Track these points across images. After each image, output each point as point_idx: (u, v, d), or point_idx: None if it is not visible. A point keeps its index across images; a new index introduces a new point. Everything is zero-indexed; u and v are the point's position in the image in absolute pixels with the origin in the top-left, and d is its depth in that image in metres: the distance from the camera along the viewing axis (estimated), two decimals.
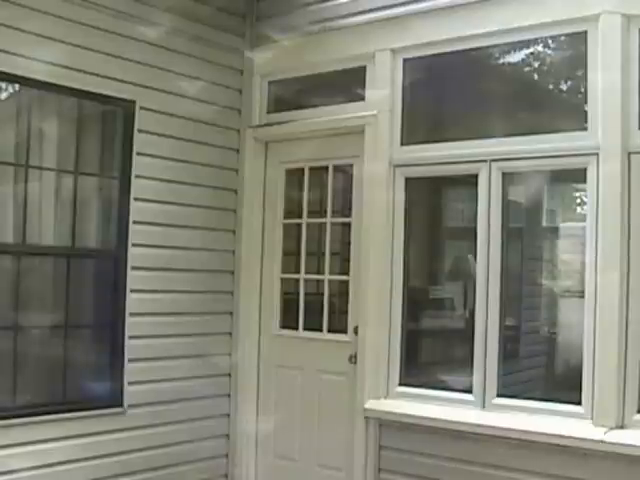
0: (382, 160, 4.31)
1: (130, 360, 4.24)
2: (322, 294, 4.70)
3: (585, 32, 3.66)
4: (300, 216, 4.85)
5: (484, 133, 4.05)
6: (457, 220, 5.62)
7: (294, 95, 4.98)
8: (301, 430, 4.69)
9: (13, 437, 3.71)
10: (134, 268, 4.27)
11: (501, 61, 4.32)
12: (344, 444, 4.40)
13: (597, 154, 3.58)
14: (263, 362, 4.91)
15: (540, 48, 4.12)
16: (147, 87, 4.33)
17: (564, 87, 4.27)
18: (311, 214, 4.85)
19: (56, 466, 3.88)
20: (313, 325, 4.71)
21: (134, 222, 4.27)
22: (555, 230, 6.16)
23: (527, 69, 4.25)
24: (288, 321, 4.87)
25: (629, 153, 3.51)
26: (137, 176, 4.28)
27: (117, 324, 4.21)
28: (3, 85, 3.85)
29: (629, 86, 3.53)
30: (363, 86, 4.47)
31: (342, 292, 4.68)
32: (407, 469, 4.06)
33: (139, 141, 4.29)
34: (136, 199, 4.28)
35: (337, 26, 4.54)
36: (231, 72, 4.88)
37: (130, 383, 4.24)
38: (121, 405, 4.20)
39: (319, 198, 4.87)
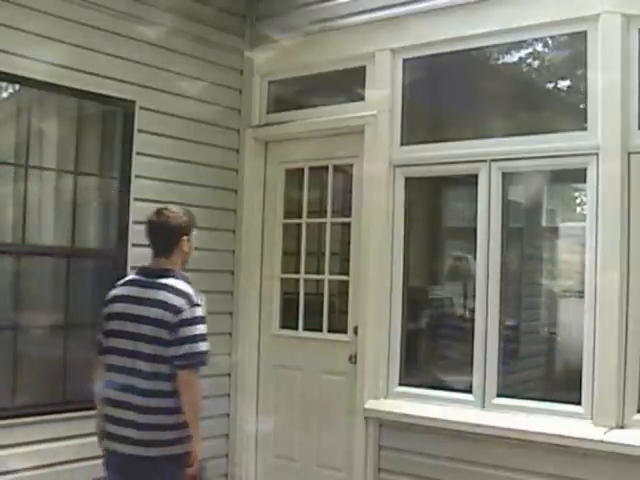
0: (382, 160, 4.30)
1: None
2: (322, 294, 4.70)
3: (585, 32, 3.66)
4: (300, 216, 4.85)
5: (484, 133, 4.05)
6: (457, 220, 5.61)
7: (294, 95, 4.98)
8: (301, 430, 4.68)
9: (13, 437, 3.71)
10: (134, 268, 4.25)
11: (501, 61, 4.32)
12: (344, 444, 4.40)
13: (597, 154, 3.58)
14: (263, 362, 4.90)
15: (540, 48, 4.12)
16: (147, 87, 4.33)
17: (564, 87, 4.27)
18: (311, 214, 4.85)
19: (56, 466, 3.87)
20: (313, 325, 4.71)
21: (134, 222, 4.25)
22: (555, 230, 6.16)
23: (527, 69, 4.25)
24: (288, 321, 4.87)
25: (629, 153, 3.52)
26: (137, 176, 4.28)
27: None
28: (3, 85, 3.86)
29: (629, 86, 3.53)
30: (363, 86, 4.47)
31: (342, 292, 4.68)
32: (407, 469, 4.06)
33: (139, 141, 4.29)
34: (136, 199, 4.27)
35: (337, 26, 4.54)
36: (231, 72, 4.88)
37: None
38: None
39: (319, 198, 4.87)
